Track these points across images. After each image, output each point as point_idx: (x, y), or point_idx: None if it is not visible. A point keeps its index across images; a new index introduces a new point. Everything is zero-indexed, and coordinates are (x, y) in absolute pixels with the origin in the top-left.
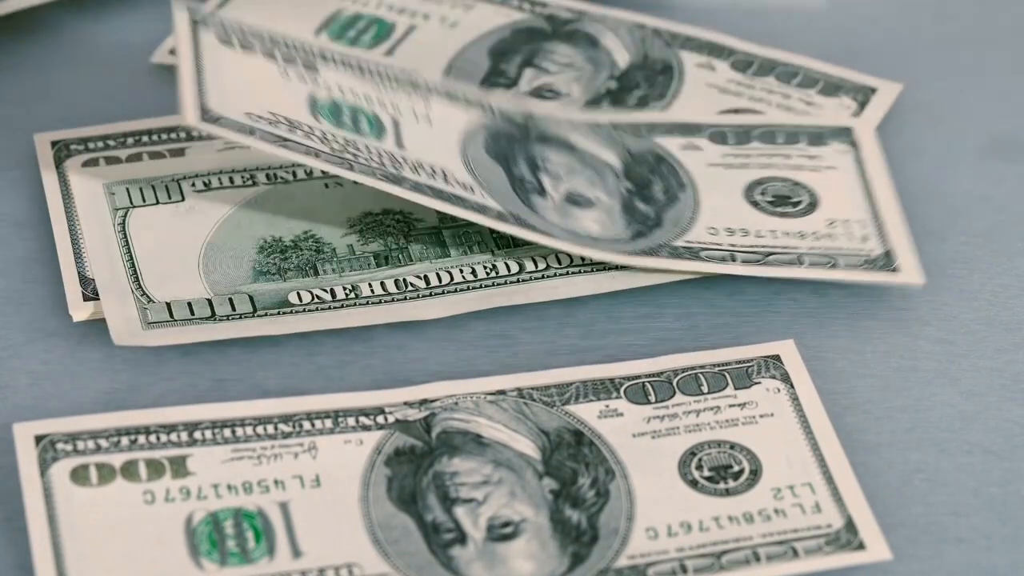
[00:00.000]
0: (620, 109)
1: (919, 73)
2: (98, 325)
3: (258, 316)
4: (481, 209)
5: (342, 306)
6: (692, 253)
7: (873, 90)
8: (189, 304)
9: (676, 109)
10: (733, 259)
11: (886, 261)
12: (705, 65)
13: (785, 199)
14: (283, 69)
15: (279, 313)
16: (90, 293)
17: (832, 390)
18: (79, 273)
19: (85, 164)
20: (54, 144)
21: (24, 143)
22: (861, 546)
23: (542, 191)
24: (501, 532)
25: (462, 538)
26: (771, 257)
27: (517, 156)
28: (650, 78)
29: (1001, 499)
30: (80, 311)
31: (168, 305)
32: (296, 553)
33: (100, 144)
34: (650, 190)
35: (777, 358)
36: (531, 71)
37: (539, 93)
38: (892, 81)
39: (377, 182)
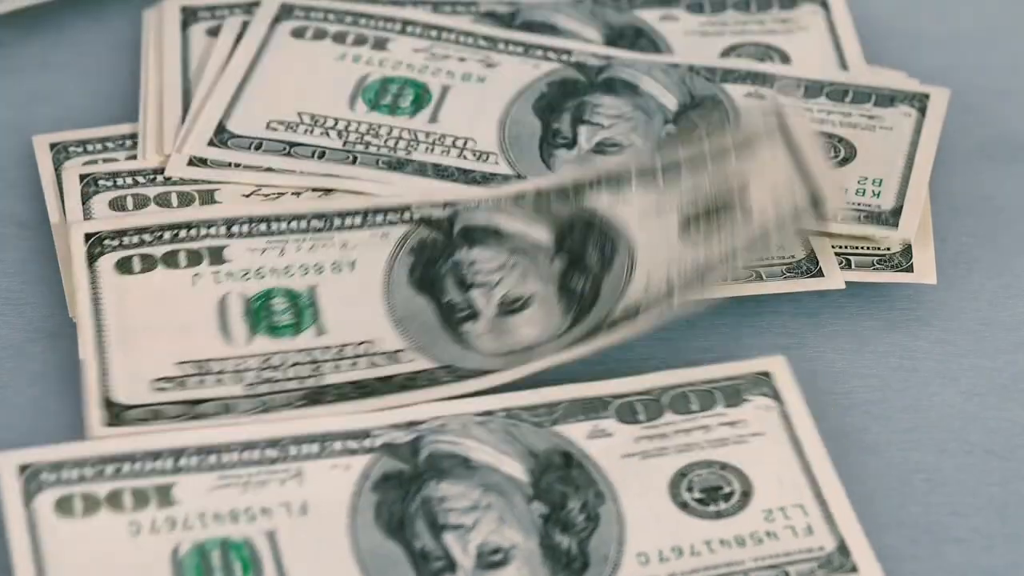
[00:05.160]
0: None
1: (919, 73)
2: None
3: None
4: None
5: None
6: (630, 315)
7: (926, 96)
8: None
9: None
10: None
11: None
12: (754, 95)
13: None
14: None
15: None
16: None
17: (832, 390)
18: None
19: (84, 165)
20: (52, 146)
21: (24, 144)
22: (854, 569)
23: (473, 315)
24: (491, 560)
25: (451, 567)
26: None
27: (444, 276)
28: (705, 116)
29: (1001, 499)
30: None
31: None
32: None
33: (99, 146)
34: (584, 261)
35: (767, 375)
36: (586, 128)
37: (601, 149)
38: (940, 87)
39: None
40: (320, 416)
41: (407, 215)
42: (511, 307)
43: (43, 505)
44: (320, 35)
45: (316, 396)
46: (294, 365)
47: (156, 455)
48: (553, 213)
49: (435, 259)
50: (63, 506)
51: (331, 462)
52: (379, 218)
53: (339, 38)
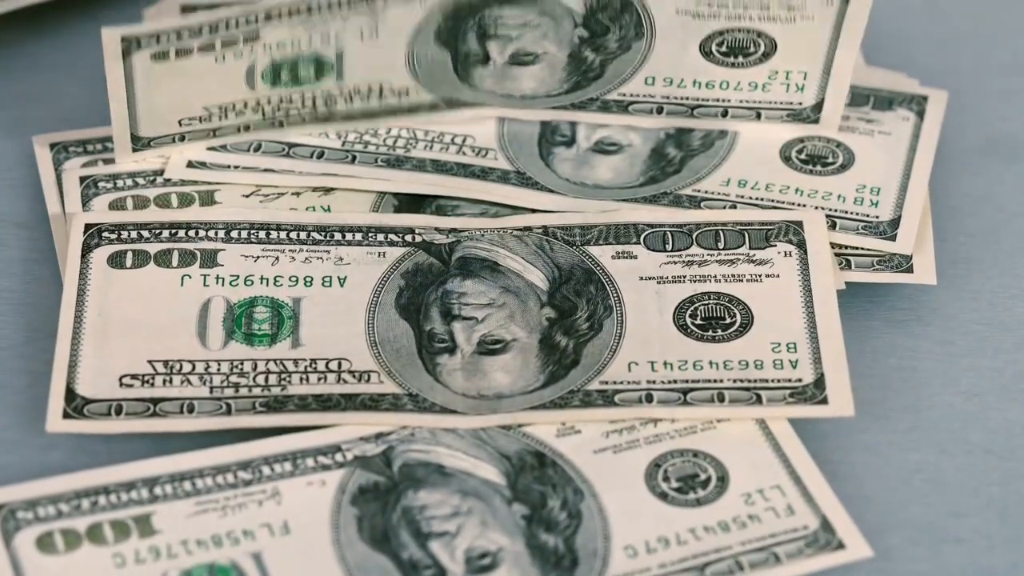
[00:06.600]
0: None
1: (918, 73)
2: None
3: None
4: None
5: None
6: (606, 398)
7: (924, 98)
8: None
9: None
10: (650, 399)
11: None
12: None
13: (717, 320)
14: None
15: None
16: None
17: None
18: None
19: (84, 166)
20: (52, 146)
21: (24, 144)
22: (840, 545)
23: (451, 348)
24: (480, 564)
25: (442, 574)
26: (691, 395)
27: (431, 304)
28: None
29: (1001, 499)
30: None
31: None
32: None
33: (99, 146)
34: (573, 318)
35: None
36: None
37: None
38: (938, 89)
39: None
40: (280, 424)
41: (408, 237)
42: (490, 347)
43: (24, 543)
44: None
45: (278, 404)
46: (262, 373)
47: (130, 486)
48: (554, 256)
49: (426, 285)
50: (44, 543)
51: (306, 479)
52: (380, 237)
53: None
